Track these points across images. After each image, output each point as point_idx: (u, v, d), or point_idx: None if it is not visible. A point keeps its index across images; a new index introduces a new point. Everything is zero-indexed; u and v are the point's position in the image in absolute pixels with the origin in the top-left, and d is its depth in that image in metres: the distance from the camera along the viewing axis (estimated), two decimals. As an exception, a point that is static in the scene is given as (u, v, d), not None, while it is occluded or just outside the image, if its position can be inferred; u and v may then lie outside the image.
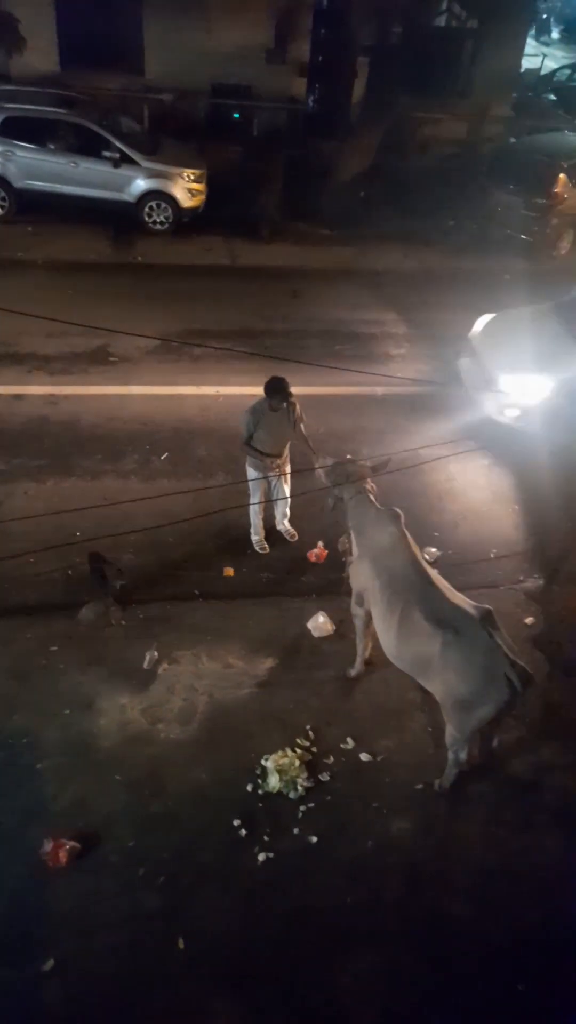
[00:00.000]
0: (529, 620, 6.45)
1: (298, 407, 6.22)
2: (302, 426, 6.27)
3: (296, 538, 7.01)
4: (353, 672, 5.85)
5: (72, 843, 4.66)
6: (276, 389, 5.93)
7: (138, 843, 4.77)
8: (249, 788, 5.10)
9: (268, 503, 6.78)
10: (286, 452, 6.47)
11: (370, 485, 5.53)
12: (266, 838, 4.85)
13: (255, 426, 6.13)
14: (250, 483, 6.54)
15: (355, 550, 5.51)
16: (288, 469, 6.59)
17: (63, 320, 5.53)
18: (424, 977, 4.37)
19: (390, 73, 13.37)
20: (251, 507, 6.68)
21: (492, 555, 7.06)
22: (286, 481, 6.64)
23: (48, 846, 4.63)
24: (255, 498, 6.61)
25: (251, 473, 6.49)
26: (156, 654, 5.85)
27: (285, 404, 6.06)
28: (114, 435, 7.96)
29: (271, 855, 4.77)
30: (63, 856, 4.61)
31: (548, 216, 12.54)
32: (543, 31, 28.64)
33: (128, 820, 4.87)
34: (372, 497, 5.47)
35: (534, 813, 5.14)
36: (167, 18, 13.28)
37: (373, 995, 4.29)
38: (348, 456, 5.80)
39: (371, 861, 4.81)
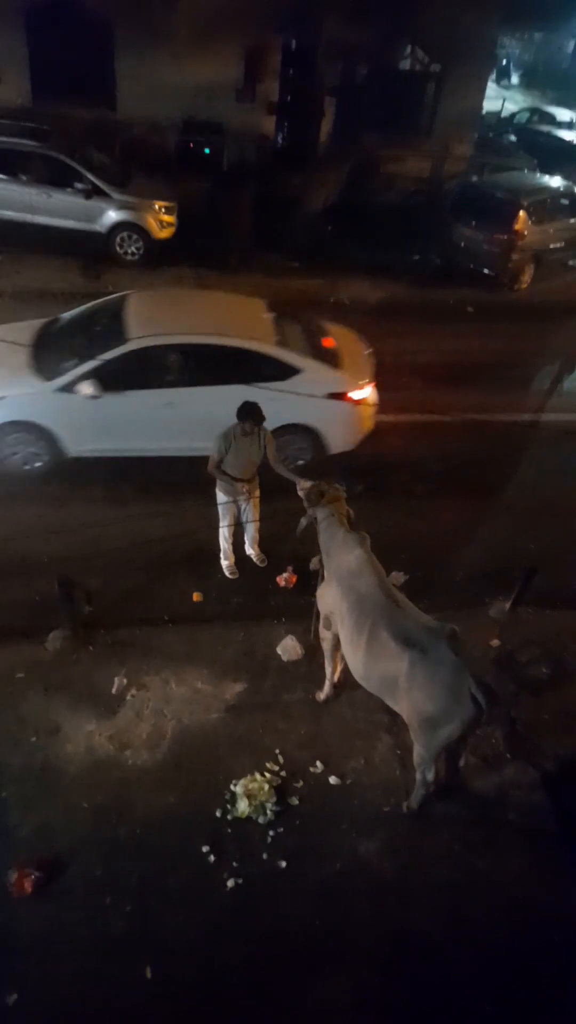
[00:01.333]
0: (495, 642, 6.54)
1: (269, 434, 6.30)
2: (273, 451, 6.33)
3: (266, 562, 7.05)
4: (322, 696, 5.87)
5: (37, 872, 4.59)
6: (249, 413, 6.01)
7: (105, 870, 4.71)
8: (218, 813, 5.08)
9: (238, 527, 6.81)
10: (255, 477, 6.54)
11: (345, 509, 5.60)
12: (235, 864, 4.82)
13: (226, 450, 6.20)
14: (220, 507, 6.59)
15: (324, 572, 5.57)
16: (257, 493, 6.65)
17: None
18: (393, 999, 4.36)
19: (356, 112, 13.80)
20: (221, 531, 6.71)
21: (458, 578, 7.16)
22: (255, 505, 6.70)
23: (12, 876, 4.56)
24: (225, 522, 6.66)
25: (221, 497, 6.54)
26: (124, 679, 5.83)
27: (257, 429, 6.14)
28: (83, 460, 7.95)
29: (240, 881, 4.74)
30: (28, 885, 4.55)
31: (510, 251, 12.93)
32: (503, 75, 29.82)
33: (95, 847, 4.82)
34: (346, 521, 5.52)
35: (500, 832, 5.18)
36: (139, 54, 13.58)
37: (343, 1019, 4.26)
38: (325, 480, 5.84)
39: (340, 884, 4.80)
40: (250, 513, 6.71)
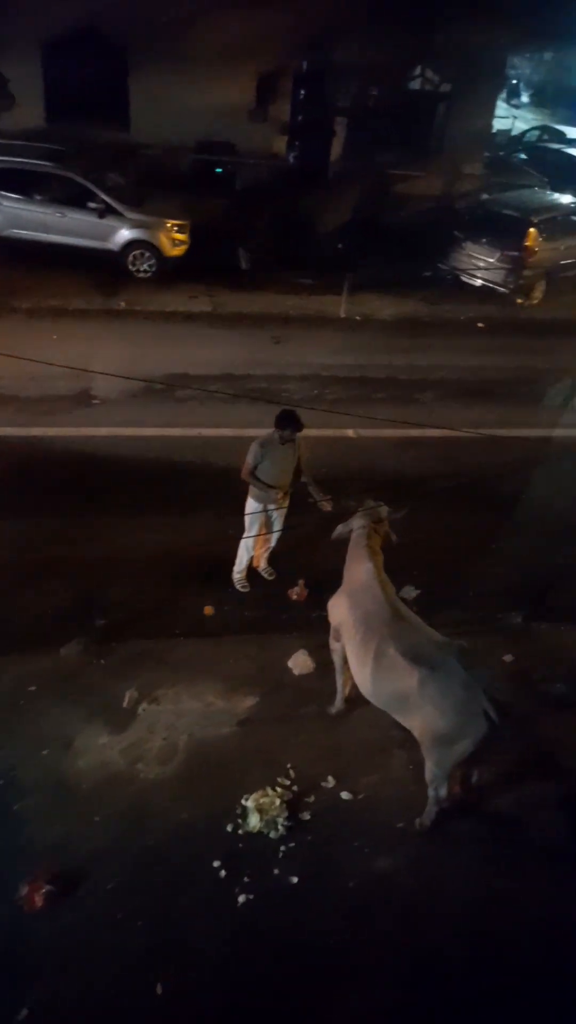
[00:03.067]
0: (508, 657, 6.49)
1: (303, 443, 6.33)
2: (307, 462, 6.37)
3: (274, 576, 7.05)
4: (334, 709, 5.84)
5: (49, 886, 4.57)
6: (288, 420, 6.05)
7: (117, 885, 4.68)
8: (229, 828, 5.04)
9: (260, 538, 6.80)
10: (288, 486, 6.52)
11: (384, 530, 5.61)
12: (246, 879, 4.77)
13: (262, 457, 6.22)
14: (248, 516, 6.56)
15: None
16: (286, 504, 6.62)
17: (46, 362, 5.63)
18: (409, 1018, 4.29)
19: (367, 132, 13.94)
20: (244, 541, 6.69)
21: (471, 593, 7.13)
22: (282, 516, 6.71)
23: (24, 890, 4.54)
24: (252, 531, 6.62)
25: (252, 505, 6.52)
26: (136, 693, 5.82)
27: (294, 437, 6.16)
28: (97, 475, 8.01)
29: (251, 896, 4.69)
30: (40, 900, 4.52)
31: (521, 268, 12.99)
32: (513, 95, 29.99)
33: (107, 862, 4.78)
34: (375, 538, 5.51)
35: (517, 849, 5.10)
36: (152, 76, 13.82)
37: (356, 1039, 4.21)
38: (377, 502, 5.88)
39: (353, 901, 4.74)
40: (277, 523, 6.71)
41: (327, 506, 6.30)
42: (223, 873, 4.79)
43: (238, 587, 6.93)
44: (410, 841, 5.07)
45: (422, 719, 4.77)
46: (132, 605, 6.59)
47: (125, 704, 5.74)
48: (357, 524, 5.57)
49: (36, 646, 6.12)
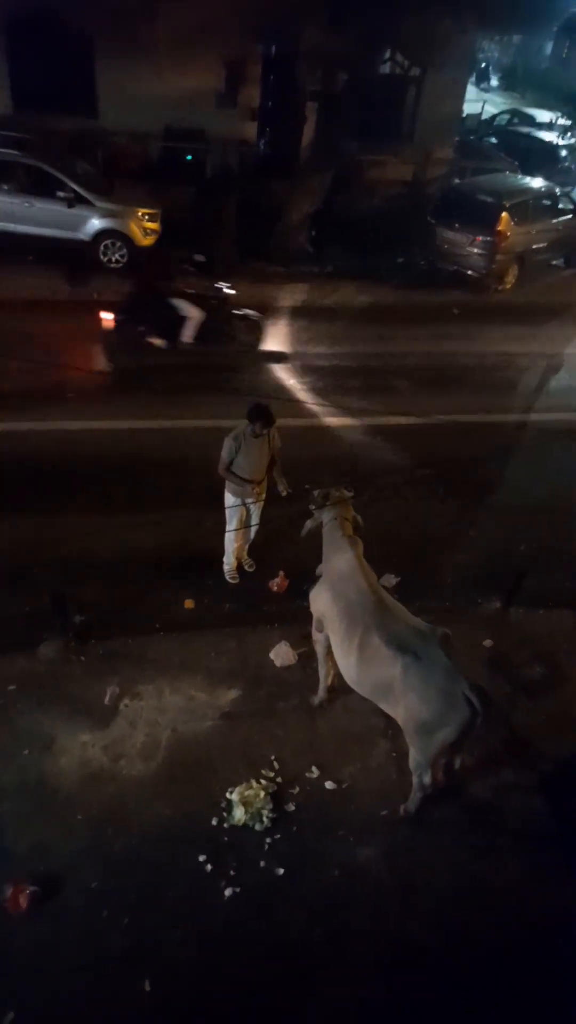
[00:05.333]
0: (488, 643, 6.54)
1: (277, 437, 6.30)
2: (278, 454, 6.34)
3: (254, 568, 7.04)
4: (317, 700, 5.85)
5: (33, 888, 4.54)
6: (260, 414, 6.02)
7: (102, 884, 4.66)
8: (214, 822, 5.04)
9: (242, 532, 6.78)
10: (265, 479, 6.50)
11: (351, 513, 5.59)
12: (232, 872, 4.79)
13: (236, 452, 6.19)
14: (228, 510, 6.54)
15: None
16: (264, 496, 6.62)
17: (17, 357, 5.53)
18: (395, 1006, 4.33)
19: (337, 118, 13.82)
20: (228, 535, 6.68)
21: (450, 579, 7.17)
22: (260, 509, 6.69)
23: (8, 892, 4.51)
24: (232, 525, 6.60)
25: (230, 500, 6.50)
26: (117, 689, 5.79)
27: (266, 431, 6.13)
28: (72, 470, 7.91)
29: (238, 889, 4.70)
30: (23, 902, 4.49)
31: (493, 253, 13.00)
32: (483, 78, 30.03)
33: (91, 861, 4.76)
34: (350, 526, 5.52)
35: (498, 836, 5.16)
36: (120, 62, 13.55)
37: (344, 1028, 4.24)
38: (336, 486, 5.85)
39: (339, 890, 4.77)
40: (255, 516, 6.69)
41: (286, 491, 6.40)
42: (209, 867, 4.79)
43: (228, 578, 6.91)
44: (393, 829, 5.11)
45: (406, 707, 4.79)
46: (110, 601, 6.53)
47: (106, 701, 5.70)
48: (327, 517, 5.55)
49: (13, 646, 6.05)
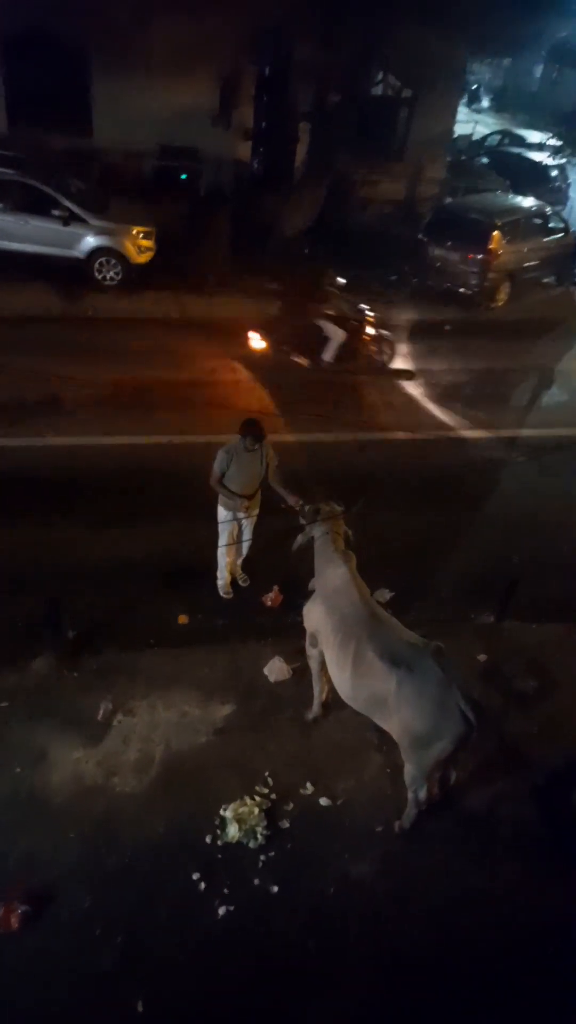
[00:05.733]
0: (482, 656, 6.54)
1: (271, 450, 6.31)
2: (275, 469, 6.31)
3: (248, 583, 7.03)
4: (311, 715, 5.83)
5: (24, 906, 4.49)
6: (251, 428, 6.03)
7: (94, 901, 4.62)
8: (208, 839, 5.00)
9: (234, 547, 6.77)
10: (257, 494, 6.50)
11: (343, 528, 5.58)
12: (226, 890, 4.74)
13: (228, 465, 6.19)
14: (220, 524, 6.54)
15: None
16: (256, 512, 6.62)
17: (14, 370, 5.55)
18: (392, 1021, 4.29)
19: (330, 137, 13.98)
20: (220, 550, 6.66)
21: (443, 592, 7.17)
22: (252, 524, 6.69)
23: (-1, 910, 4.46)
24: (224, 540, 6.60)
25: (222, 514, 6.49)
26: (111, 705, 5.76)
27: (258, 445, 6.14)
28: (66, 485, 7.91)
29: (232, 908, 4.66)
30: (14, 920, 4.44)
31: (485, 271, 13.13)
32: (474, 100, 30.47)
33: (83, 878, 4.72)
34: (342, 540, 5.51)
35: (493, 847, 5.14)
36: (115, 81, 13.69)
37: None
38: (325, 499, 5.83)
39: (334, 907, 4.74)
40: (247, 531, 6.69)
41: (298, 502, 6.20)
42: (202, 885, 4.75)
43: (221, 594, 6.89)
44: (388, 844, 5.08)
45: (400, 721, 4.78)
46: (103, 616, 6.51)
47: (99, 716, 5.67)
48: (318, 532, 5.54)
49: (6, 661, 6.02)
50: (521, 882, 4.96)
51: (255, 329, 10.59)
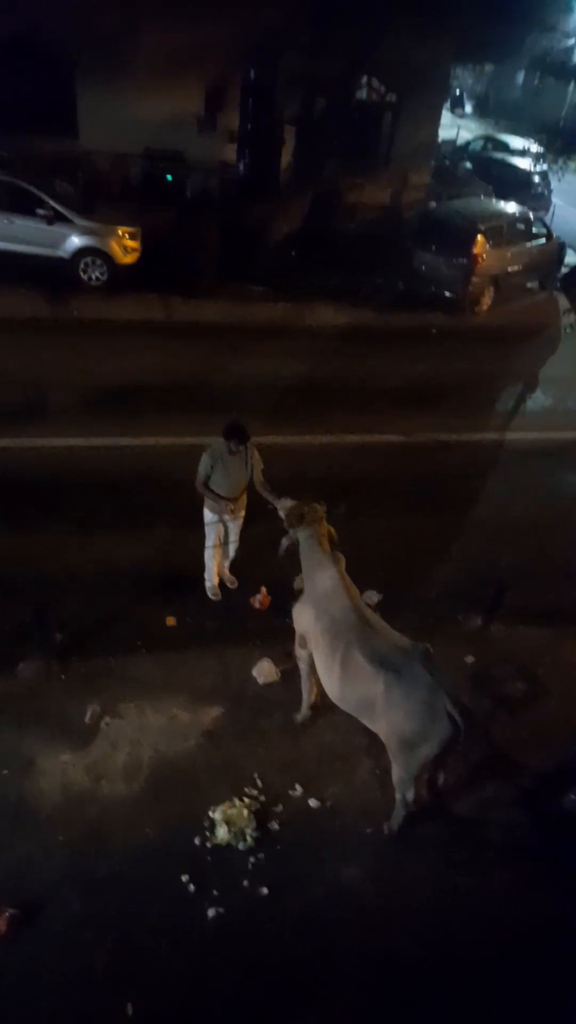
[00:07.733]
0: (470, 659, 6.59)
1: (256, 453, 6.30)
2: (260, 472, 6.29)
3: (236, 585, 7.03)
4: (300, 717, 5.84)
5: (12, 910, 4.47)
6: (234, 431, 6.02)
7: (83, 906, 4.60)
8: (197, 842, 5.00)
9: (221, 549, 6.77)
10: (243, 497, 6.49)
11: (327, 529, 5.57)
12: (216, 892, 4.74)
13: (212, 468, 6.18)
14: (206, 527, 6.54)
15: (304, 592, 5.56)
16: (242, 514, 6.62)
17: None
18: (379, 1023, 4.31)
19: (316, 142, 14.04)
20: (206, 551, 6.66)
21: (432, 596, 7.21)
22: (238, 526, 6.68)
23: (-13, 916, 4.43)
24: (210, 541, 6.60)
25: (208, 516, 6.49)
26: (99, 709, 5.74)
27: (243, 447, 6.14)
28: (53, 488, 7.87)
29: (221, 910, 4.66)
30: (3, 925, 4.41)
31: (469, 275, 13.23)
32: (457, 105, 30.68)
33: (72, 882, 4.70)
34: (327, 541, 5.51)
35: (482, 850, 5.18)
36: (101, 84, 13.66)
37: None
38: (307, 501, 5.82)
39: (323, 909, 4.75)
40: (233, 533, 6.69)
41: (287, 504, 6.20)
42: (192, 888, 4.75)
43: (210, 595, 6.89)
44: (377, 847, 5.10)
45: (388, 723, 4.81)
46: (91, 620, 6.49)
47: (87, 720, 5.65)
48: (304, 534, 5.51)
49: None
50: (510, 885, 5.00)
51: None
